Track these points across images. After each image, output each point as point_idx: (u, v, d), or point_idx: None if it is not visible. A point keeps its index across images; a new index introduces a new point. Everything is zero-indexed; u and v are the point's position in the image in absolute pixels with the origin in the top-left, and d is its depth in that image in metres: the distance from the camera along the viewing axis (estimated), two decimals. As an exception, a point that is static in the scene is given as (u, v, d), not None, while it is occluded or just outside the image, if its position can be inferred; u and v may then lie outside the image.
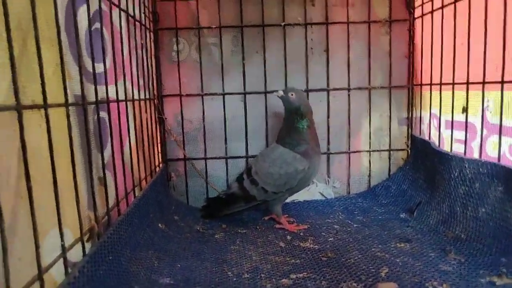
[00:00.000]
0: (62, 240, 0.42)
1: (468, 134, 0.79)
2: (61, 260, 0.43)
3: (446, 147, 0.88)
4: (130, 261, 0.60)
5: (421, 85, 1.01)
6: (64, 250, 0.43)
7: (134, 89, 0.79)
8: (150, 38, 0.98)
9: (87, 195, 0.54)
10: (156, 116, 1.01)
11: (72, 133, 0.46)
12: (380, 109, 1.09)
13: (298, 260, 0.69)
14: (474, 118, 0.79)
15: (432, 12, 0.92)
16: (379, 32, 1.06)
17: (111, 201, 0.61)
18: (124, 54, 0.72)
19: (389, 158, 1.10)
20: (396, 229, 0.82)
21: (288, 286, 0.59)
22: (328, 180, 1.10)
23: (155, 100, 1.00)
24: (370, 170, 1.10)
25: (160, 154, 1.04)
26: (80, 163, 0.53)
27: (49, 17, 0.45)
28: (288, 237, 0.81)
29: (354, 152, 1.09)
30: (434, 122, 0.96)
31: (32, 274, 0.37)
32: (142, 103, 0.86)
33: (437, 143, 0.92)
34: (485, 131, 0.75)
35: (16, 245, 0.38)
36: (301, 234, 0.83)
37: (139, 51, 0.85)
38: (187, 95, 1.04)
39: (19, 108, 0.35)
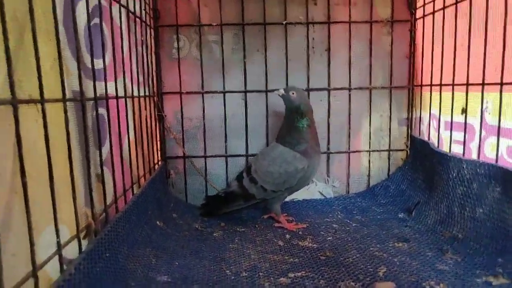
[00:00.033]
0: (57, 236, 0.42)
1: (466, 135, 0.79)
2: (57, 257, 0.43)
3: (445, 148, 0.88)
4: (127, 258, 0.59)
5: (421, 85, 1.01)
6: (59, 247, 0.42)
7: (133, 86, 0.79)
8: (151, 35, 0.97)
9: (85, 192, 0.54)
10: (156, 113, 1.01)
11: (69, 128, 0.45)
12: (381, 109, 1.08)
13: (296, 259, 0.69)
14: (473, 119, 0.79)
15: (433, 13, 0.92)
16: (380, 32, 1.06)
17: (109, 198, 0.61)
18: (124, 51, 0.72)
19: (389, 158, 1.10)
20: (394, 229, 0.82)
21: (286, 285, 0.59)
22: (327, 180, 1.10)
23: (155, 97, 1.00)
24: (369, 170, 1.10)
25: (159, 152, 1.03)
26: (78, 159, 0.53)
27: (47, 11, 0.44)
28: (287, 236, 0.81)
29: (354, 152, 1.09)
30: (434, 123, 0.95)
31: (26, 270, 0.37)
32: (142, 100, 0.85)
33: (436, 144, 0.92)
34: (483, 132, 0.75)
35: (10, 241, 0.38)
36: (300, 233, 0.83)
37: (139, 48, 0.85)
38: (187, 93, 1.04)
39: (14, 102, 0.34)
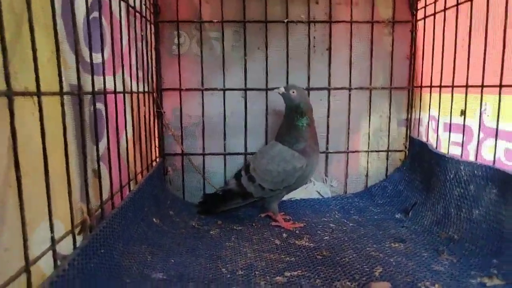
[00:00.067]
0: (52, 232, 0.42)
1: (465, 137, 0.80)
2: (51, 252, 0.42)
3: (443, 149, 0.88)
4: (122, 255, 0.59)
5: (421, 87, 1.01)
6: (53, 242, 0.42)
7: (132, 81, 0.78)
8: (151, 30, 0.97)
9: (80, 188, 0.54)
10: (155, 109, 1.01)
11: (66, 123, 0.45)
12: (380, 109, 1.08)
13: (293, 258, 0.69)
14: (471, 121, 0.80)
15: (434, 14, 0.92)
16: (382, 32, 1.05)
17: (105, 194, 0.61)
18: (123, 45, 0.71)
19: (387, 159, 1.10)
20: (391, 229, 0.82)
21: (282, 284, 0.58)
22: (325, 179, 1.10)
23: (154, 94, 0.99)
24: (367, 170, 1.09)
25: (157, 149, 1.03)
26: (74, 154, 0.52)
27: (45, 3, 0.44)
28: (284, 235, 0.81)
29: (353, 152, 1.09)
30: (433, 124, 0.95)
31: (20, 265, 0.36)
32: (141, 96, 0.85)
33: (434, 145, 0.92)
34: (481, 134, 0.76)
35: (4, 236, 0.37)
36: (297, 232, 0.83)
37: (139, 43, 0.84)
38: (187, 90, 1.03)
39: (10, 94, 0.34)
